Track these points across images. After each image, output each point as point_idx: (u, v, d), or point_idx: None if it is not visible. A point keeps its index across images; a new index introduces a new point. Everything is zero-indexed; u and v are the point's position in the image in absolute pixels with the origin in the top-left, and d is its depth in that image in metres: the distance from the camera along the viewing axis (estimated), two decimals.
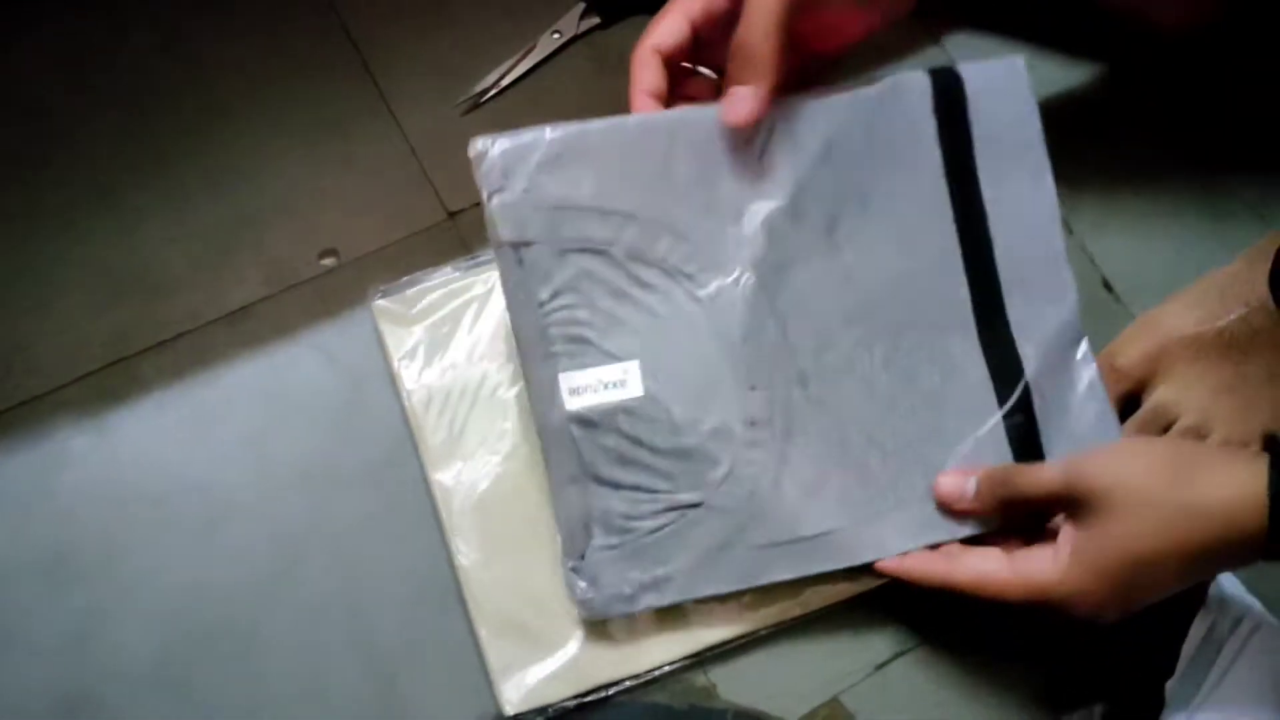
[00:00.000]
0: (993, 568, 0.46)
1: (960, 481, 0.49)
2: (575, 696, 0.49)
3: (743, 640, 0.50)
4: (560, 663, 0.50)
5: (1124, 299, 0.60)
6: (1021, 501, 0.47)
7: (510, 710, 0.48)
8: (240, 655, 0.51)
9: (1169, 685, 0.47)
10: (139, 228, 0.58)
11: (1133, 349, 0.54)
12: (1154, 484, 0.42)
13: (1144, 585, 0.43)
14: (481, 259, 0.57)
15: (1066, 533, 0.45)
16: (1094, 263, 0.60)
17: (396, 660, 0.51)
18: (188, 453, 0.54)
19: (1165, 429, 0.53)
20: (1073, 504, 0.44)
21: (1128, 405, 0.54)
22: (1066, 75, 0.64)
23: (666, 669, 0.50)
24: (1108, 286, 0.60)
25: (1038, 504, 0.46)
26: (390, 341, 0.55)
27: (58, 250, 0.58)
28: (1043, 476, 0.46)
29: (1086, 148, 0.61)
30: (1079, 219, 0.61)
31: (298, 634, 0.51)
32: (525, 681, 0.49)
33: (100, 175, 0.59)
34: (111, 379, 0.56)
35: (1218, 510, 0.41)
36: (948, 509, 0.49)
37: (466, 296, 0.56)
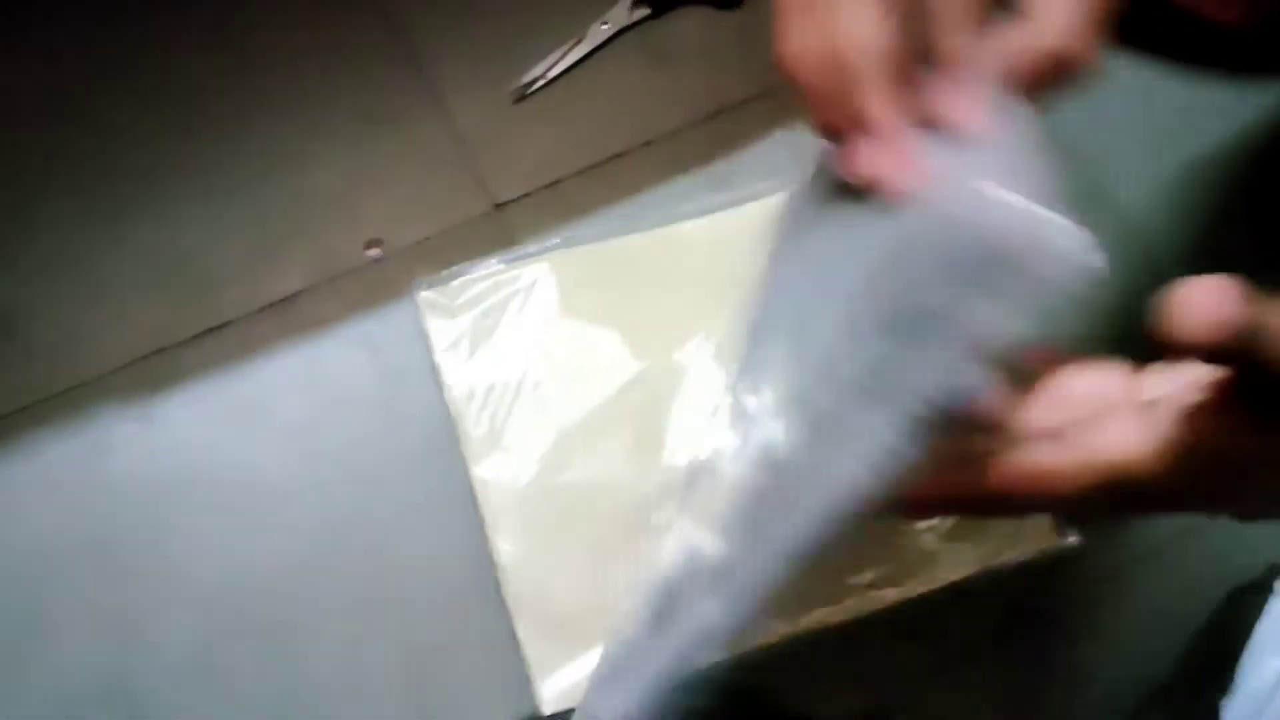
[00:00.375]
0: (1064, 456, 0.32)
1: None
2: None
3: (788, 642, 0.49)
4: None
5: None
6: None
7: (548, 709, 0.48)
8: (278, 645, 0.50)
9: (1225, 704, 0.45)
10: (185, 218, 0.58)
11: None
12: None
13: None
14: (528, 251, 0.56)
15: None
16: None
17: (434, 655, 0.50)
18: (230, 442, 0.54)
19: None
20: None
21: None
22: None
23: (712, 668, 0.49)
24: None
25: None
26: (433, 333, 0.54)
27: (105, 241, 0.58)
28: None
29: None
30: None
31: (336, 625, 0.51)
32: (563, 681, 0.49)
33: (147, 166, 0.59)
34: (157, 367, 0.56)
35: None
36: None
37: (511, 289, 0.55)
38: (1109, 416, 0.32)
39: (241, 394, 0.55)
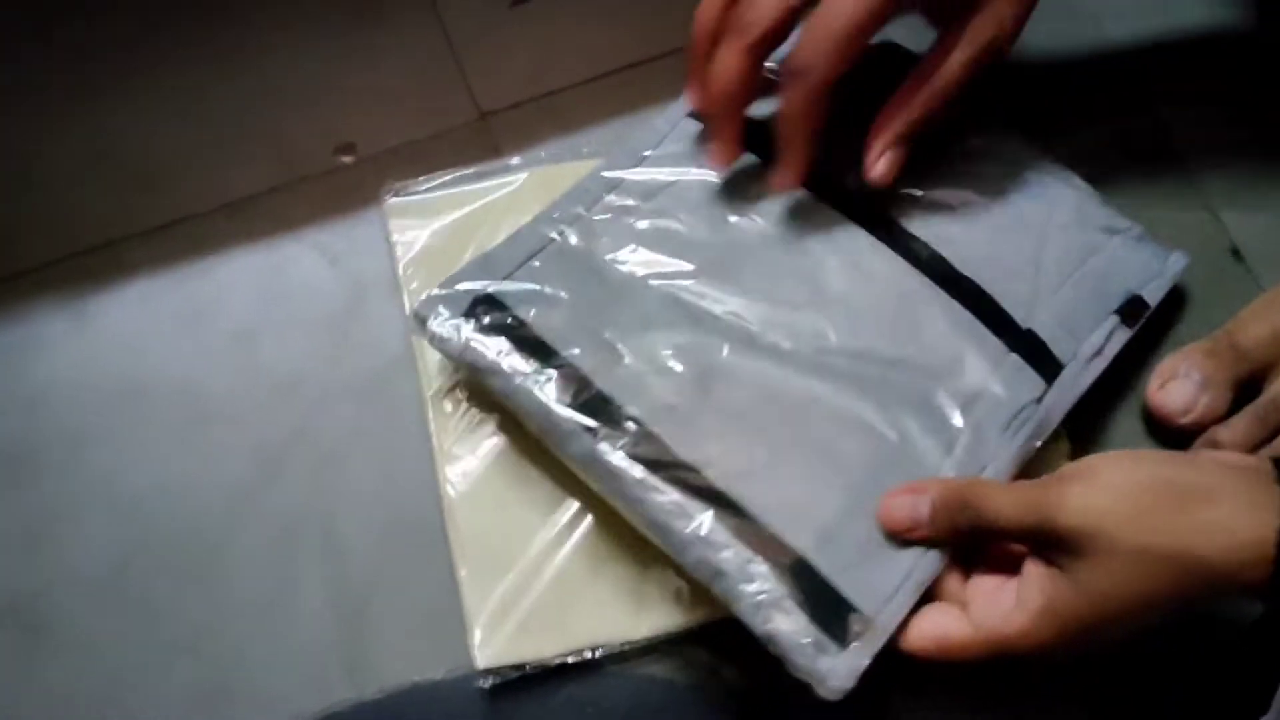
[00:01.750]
0: (953, 626, 0.39)
1: (912, 504, 0.40)
2: (558, 655, 0.43)
3: None
4: (546, 616, 0.44)
5: (1254, 269, 0.52)
6: (985, 531, 0.39)
7: (483, 663, 0.43)
8: (200, 571, 0.46)
9: None
10: (142, 107, 0.54)
11: (1258, 327, 0.47)
12: (1142, 529, 0.35)
13: (1115, 632, 0.36)
14: (511, 163, 0.51)
15: (1036, 578, 0.37)
16: (1223, 226, 0.52)
17: (369, 594, 0.45)
18: (171, 347, 0.50)
19: None
20: (1044, 543, 0.37)
21: (1245, 391, 0.47)
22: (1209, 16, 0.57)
23: (669, 636, 0.44)
24: (1236, 254, 0.52)
25: (1002, 535, 0.39)
26: (398, 245, 0.49)
27: (57, 125, 0.53)
28: (1008, 509, 0.38)
29: (1224, 104, 0.54)
30: (1209, 181, 0.53)
31: (266, 551, 0.46)
32: (503, 632, 0.43)
33: (109, 49, 0.54)
34: (98, 262, 0.51)
35: (1217, 561, 0.34)
36: (898, 536, 0.40)
37: (488, 201, 0.50)
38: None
39: (186, 296, 0.50)
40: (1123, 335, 0.47)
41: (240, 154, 0.53)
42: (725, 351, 0.44)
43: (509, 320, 0.44)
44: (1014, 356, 0.45)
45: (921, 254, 0.47)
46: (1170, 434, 0.48)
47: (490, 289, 0.44)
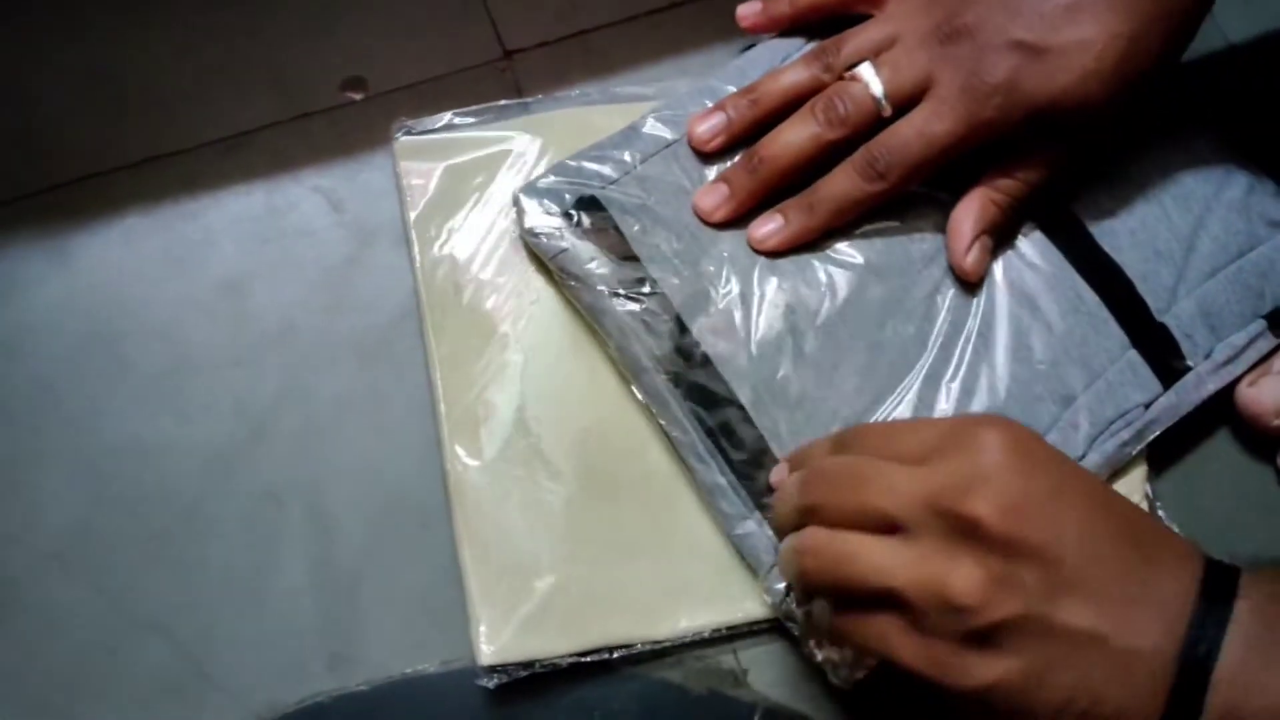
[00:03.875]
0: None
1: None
2: (571, 655, 0.39)
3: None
4: (559, 612, 0.39)
5: None
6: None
7: (486, 659, 0.38)
8: (171, 535, 0.41)
9: None
10: (136, 35, 0.49)
11: None
12: None
13: None
14: (532, 105, 0.46)
15: None
16: None
17: (357, 574, 0.41)
18: (154, 292, 0.45)
19: None
20: None
21: None
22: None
23: (689, 639, 0.40)
24: None
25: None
26: (409, 188, 0.45)
27: (50, 46, 0.49)
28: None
29: None
30: None
31: (245, 522, 0.41)
32: (510, 626, 0.39)
33: None
34: (80, 196, 0.46)
35: None
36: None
37: (507, 146, 0.45)
38: None
39: (175, 237, 0.46)
40: (1266, 344, 0.42)
41: (239, 85, 0.48)
42: (824, 311, 0.41)
43: (611, 228, 0.41)
44: (1132, 353, 0.41)
45: (1060, 219, 0.42)
46: (1260, 438, 0.43)
47: (598, 192, 0.41)
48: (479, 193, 0.44)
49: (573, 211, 0.41)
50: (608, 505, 0.41)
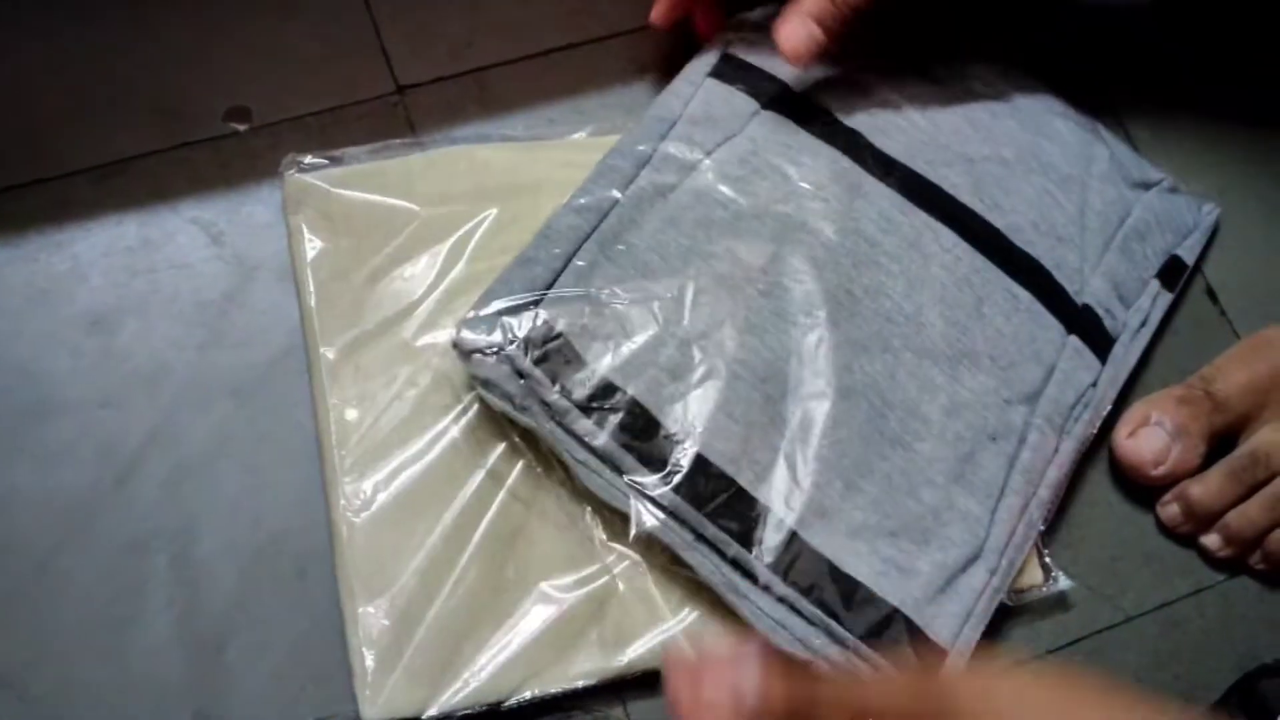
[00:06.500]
0: None
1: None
2: (462, 708, 0.37)
3: None
4: (446, 664, 0.38)
5: (1230, 314, 0.48)
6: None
7: (371, 714, 0.37)
8: (25, 586, 0.39)
9: None
10: (19, 45, 0.46)
11: (1236, 375, 0.44)
12: None
13: None
14: (426, 143, 0.45)
15: None
16: (1198, 267, 0.49)
17: (227, 626, 0.39)
18: (16, 326, 0.43)
19: (1263, 482, 0.42)
20: None
21: (1222, 443, 0.43)
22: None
23: (579, 688, 0.38)
24: (1212, 296, 0.49)
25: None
26: (299, 226, 0.43)
27: None
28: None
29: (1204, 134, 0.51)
30: None
31: (105, 572, 0.39)
32: (395, 680, 0.37)
33: None
34: None
35: None
36: None
37: (401, 190, 0.44)
38: None
39: (40, 269, 0.43)
40: (1164, 301, 0.45)
41: (115, 110, 0.46)
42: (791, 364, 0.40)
43: (560, 348, 0.39)
44: (1073, 339, 0.43)
45: (973, 225, 0.43)
46: (1138, 487, 0.44)
47: (540, 317, 0.39)
48: (371, 231, 0.43)
49: (521, 345, 0.38)
50: (495, 554, 0.40)
